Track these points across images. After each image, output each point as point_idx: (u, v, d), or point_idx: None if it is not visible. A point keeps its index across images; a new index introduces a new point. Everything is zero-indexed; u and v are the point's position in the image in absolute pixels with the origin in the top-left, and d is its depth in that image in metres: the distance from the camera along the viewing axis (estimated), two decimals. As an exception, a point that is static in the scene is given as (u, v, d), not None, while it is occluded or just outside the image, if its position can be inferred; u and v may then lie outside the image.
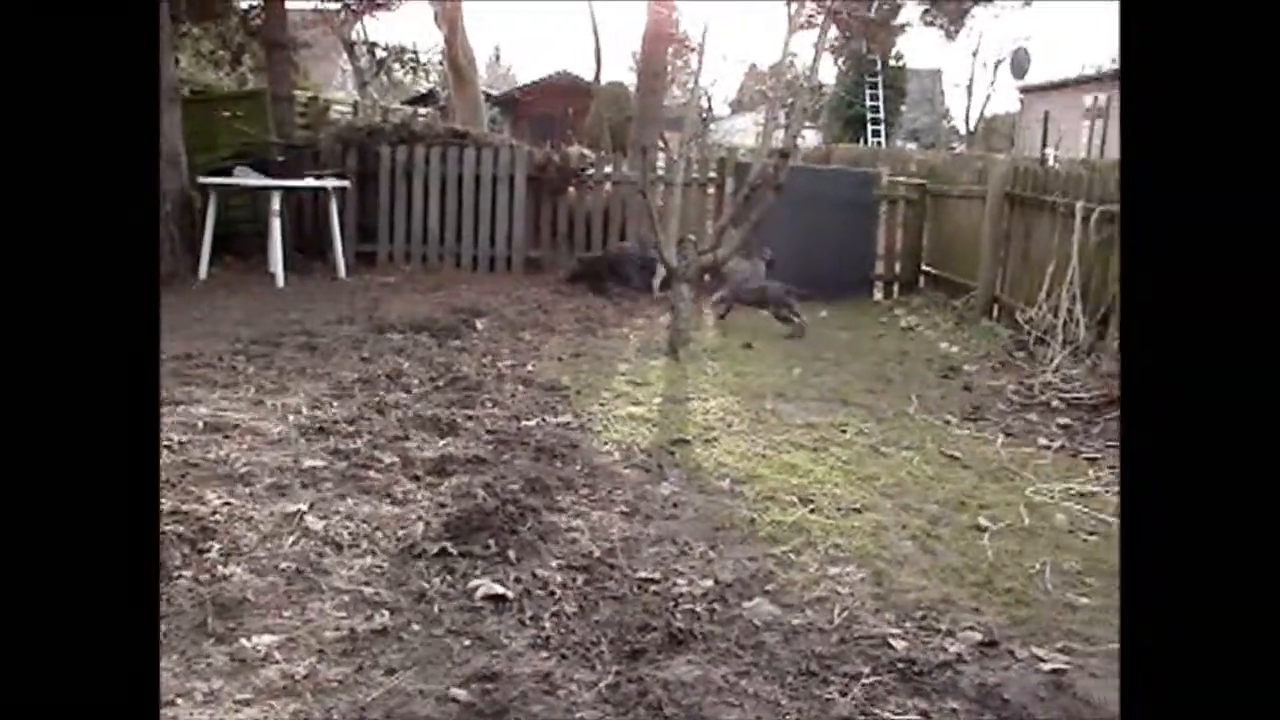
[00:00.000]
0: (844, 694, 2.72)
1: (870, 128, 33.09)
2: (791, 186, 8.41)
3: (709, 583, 3.34)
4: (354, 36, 23.50)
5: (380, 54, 23.19)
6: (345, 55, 25.94)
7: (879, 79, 33.48)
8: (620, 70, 42.07)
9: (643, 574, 3.38)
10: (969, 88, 38.53)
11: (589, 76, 25.21)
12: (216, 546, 3.40)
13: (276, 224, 9.47)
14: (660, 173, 11.15)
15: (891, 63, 34.93)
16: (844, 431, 5.27)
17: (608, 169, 11.32)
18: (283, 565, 3.31)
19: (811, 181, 10.65)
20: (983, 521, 4.05)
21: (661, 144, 14.35)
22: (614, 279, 9.94)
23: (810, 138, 32.59)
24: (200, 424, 4.70)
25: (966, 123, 38.86)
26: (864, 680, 2.79)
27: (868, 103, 33.39)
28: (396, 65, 23.60)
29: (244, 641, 2.82)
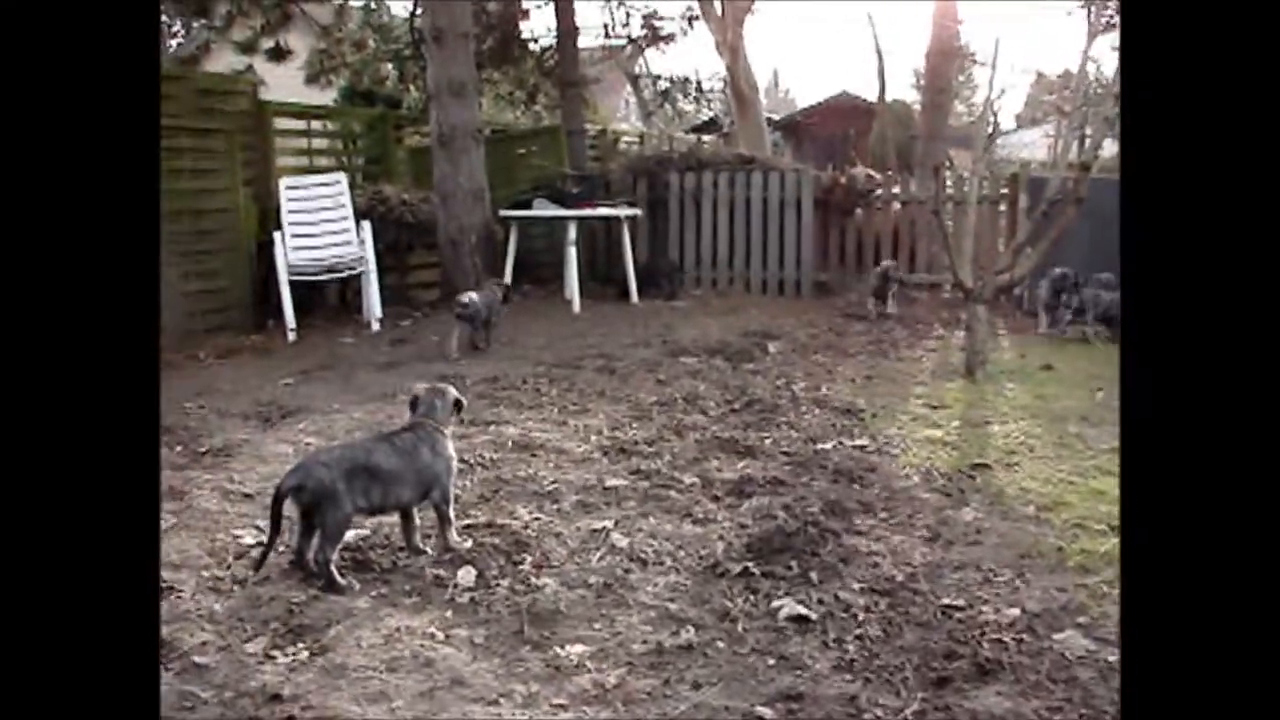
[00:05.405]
0: (1170, 734, 2.58)
1: (1175, 134, 31.05)
2: (1092, 201, 8.02)
3: (1016, 611, 3.23)
4: (638, 69, 24.21)
5: (663, 85, 23.74)
6: (630, 88, 26.75)
7: (1185, 81, 31.41)
8: (901, 88, 41.36)
9: (946, 600, 3.31)
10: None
11: (868, 96, 24.94)
12: (529, 559, 3.60)
13: (572, 252, 9.88)
14: (949, 191, 10.89)
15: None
16: (1158, 457, 4.97)
17: (895, 189, 11.16)
18: (591, 579, 3.45)
19: (1113, 195, 10.07)
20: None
21: (947, 162, 14.01)
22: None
23: (1109, 148, 30.88)
24: (509, 443, 4.97)
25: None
26: (1192, 721, 2.63)
27: (1172, 107, 31.37)
28: (679, 95, 24.09)
29: (558, 650, 2.97)
